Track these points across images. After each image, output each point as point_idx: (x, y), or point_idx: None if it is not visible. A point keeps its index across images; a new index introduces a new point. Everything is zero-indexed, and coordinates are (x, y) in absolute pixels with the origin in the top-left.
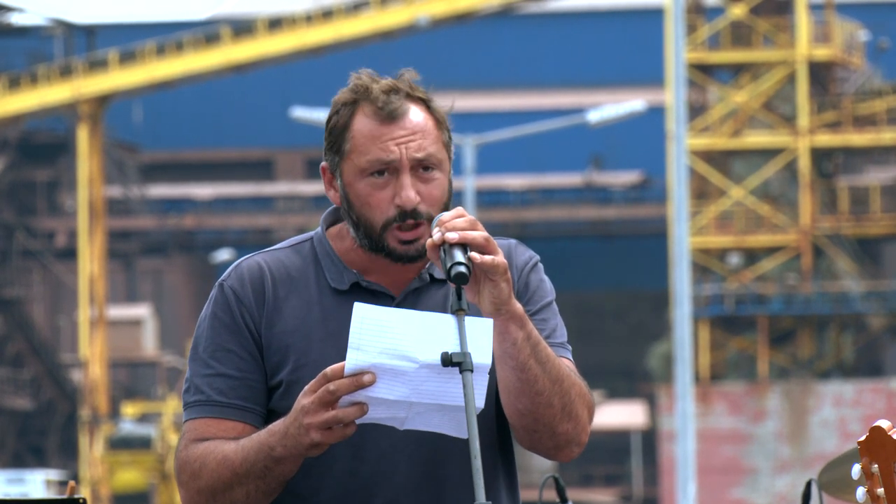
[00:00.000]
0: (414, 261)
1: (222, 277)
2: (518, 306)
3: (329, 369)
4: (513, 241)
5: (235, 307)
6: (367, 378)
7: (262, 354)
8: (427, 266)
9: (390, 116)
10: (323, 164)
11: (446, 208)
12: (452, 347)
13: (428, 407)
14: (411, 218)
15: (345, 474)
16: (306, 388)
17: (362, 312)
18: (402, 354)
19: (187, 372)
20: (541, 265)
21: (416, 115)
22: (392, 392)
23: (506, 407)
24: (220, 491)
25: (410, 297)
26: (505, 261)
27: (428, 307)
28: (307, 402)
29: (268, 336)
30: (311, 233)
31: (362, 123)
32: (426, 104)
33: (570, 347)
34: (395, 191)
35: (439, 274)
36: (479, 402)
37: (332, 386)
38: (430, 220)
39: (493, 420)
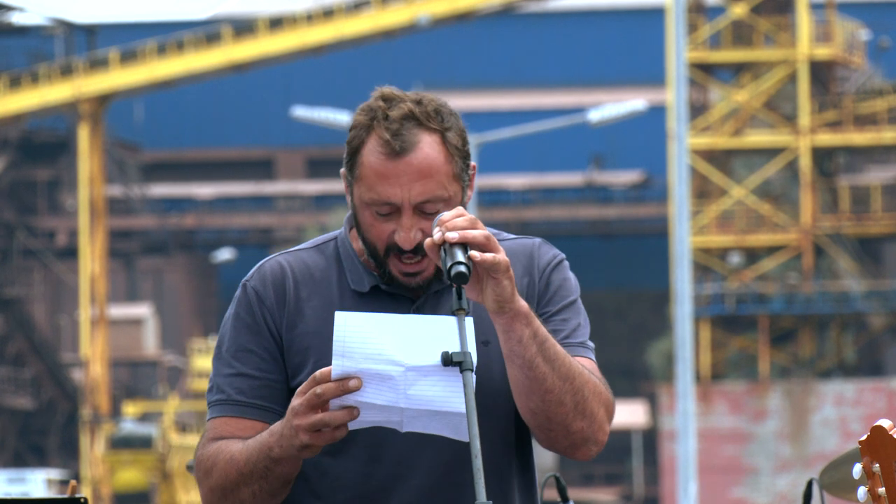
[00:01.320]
0: (418, 290)
1: (245, 277)
2: (522, 304)
3: (318, 372)
4: (537, 240)
5: (257, 308)
6: (352, 383)
7: (283, 355)
8: None
9: (396, 153)
10: (342, 170)
11: None
12: (439, 348)
13: (419, 413)
14: (412, 254)
15: (362, 476)
16: (299, 389)
17: (344, 320)
18: (387, 359)
19: (212, 371)
20: (566, 263)
21: (426, 150)
22: (380, 397)
23: (519, 406)
24: (229, 490)
25: (430, 300)
26: (506, 259)
27: (447, 310)
28: (296, 404)
29: (289, 337)
30: (336, 232)
31: (371, 155)
32: (441, 134)
33: (591, 346)
34: (397, 228)
35: None
36: (459, 405)
37: (318, 389)
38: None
39: (506, 420)
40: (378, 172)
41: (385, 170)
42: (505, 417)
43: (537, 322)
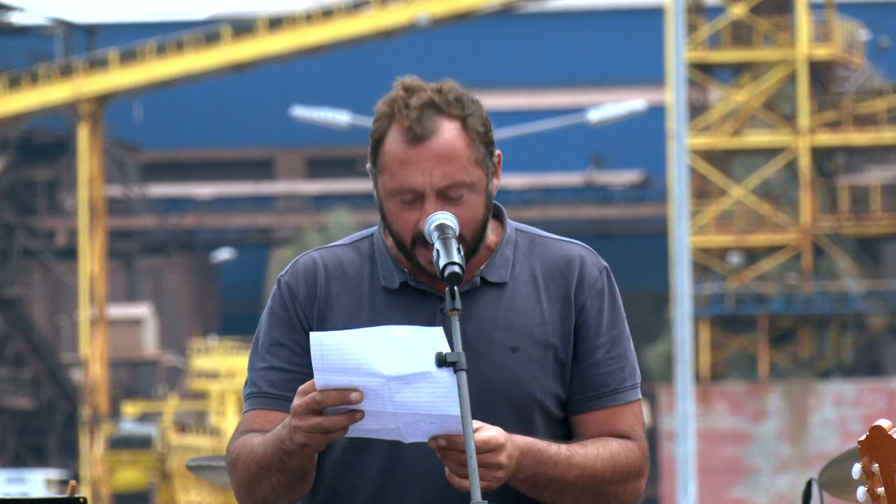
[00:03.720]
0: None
1: (281, 273)
2: (518, 470)
3: (306, 385)
4: (580, 252)
5: (289, 302)
6: (354, 396)
7: None
8: (480, 269)
9: (417, 139)
10: (368, 165)
11: (482, 226)
12: (416, 356)
13: (413, 417)
14: None
15: (382, 472)
16: (300, 388)
17: (319, 340)
18: (366, 371)
19: (248, 367)
20: (611, 278)
21: (446, 136)
22: (368, 404)
23: None
24: (252, 483)
25: (462, 301)
26: (497, 483)
27: (478, 311)
28: (296, 405)
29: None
30: (373, 228)
31: (392, 143)
32: (462, 120)
33: (638, 378)
34: (420, 215)
35: (493, 277)
36: (449, 407)
37: (318, 396)
38: (461, 240)
39: (534, 427)
40: (399, 159)
41: (406, 156)
42: (533, 425)
43: (536, 469)
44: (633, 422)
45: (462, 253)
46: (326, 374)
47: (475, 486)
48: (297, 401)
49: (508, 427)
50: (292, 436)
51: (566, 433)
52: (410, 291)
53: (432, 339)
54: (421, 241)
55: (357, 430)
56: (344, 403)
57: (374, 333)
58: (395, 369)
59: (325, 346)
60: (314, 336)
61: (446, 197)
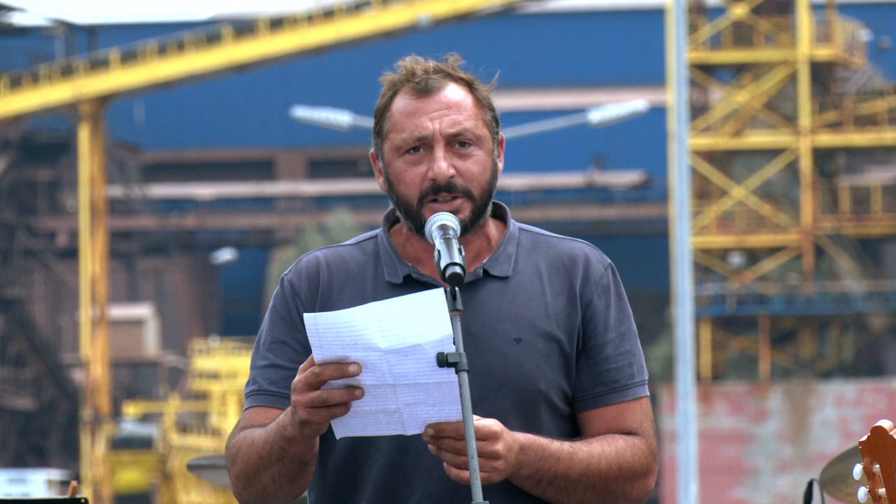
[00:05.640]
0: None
1: (285, 272)
2: (520, 466)
3: (309, 360)
4: (584, 249)
5: (291, 300)
6: (352, 368)
7: None
8: (483, 263)
9: (425, 91)
10: (371, 151)
11: (489, 189)
12: (412, 326)
13: (410, 388)
14: (445, 191)
15: (388, 467)
16: (301, 366)
17: (313, 320)
18: (364, 346)
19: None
20: (616, 274)
21: (454, 91)
22: (368, 376)
23: None
24: (252, 476)
25: (464, 293)
26: (497, 476)
27: (482, 303)
28: (296, 381)
29: None
30: (378, 229)
31: (400, 102)
32: (469, 85)
33: (646, 375)
34: (429, 165)
35: (496, 271)
36: (451, 375)
37: (317, 369)
38: (469, 195)
39: (538, 419)
40: (408, 112)
41: (414, 108)
42: (538, 418)
43: (539, 465)
44: (641, 418)
45: (463, 254)
46: (324, 351)
47: (476, 486)
48: (296, 378)
49: (512, 419)
50: (293, 416)
51: (573, 429)
52: (414, 285)
53: (433, 304)
54: (427, 194)
55: (358, 413)
56: (343, 376)
57: (369, 309)
58: (391, 342)
59: (319, 324)
60: (308, 317)
61: (457, 147)
